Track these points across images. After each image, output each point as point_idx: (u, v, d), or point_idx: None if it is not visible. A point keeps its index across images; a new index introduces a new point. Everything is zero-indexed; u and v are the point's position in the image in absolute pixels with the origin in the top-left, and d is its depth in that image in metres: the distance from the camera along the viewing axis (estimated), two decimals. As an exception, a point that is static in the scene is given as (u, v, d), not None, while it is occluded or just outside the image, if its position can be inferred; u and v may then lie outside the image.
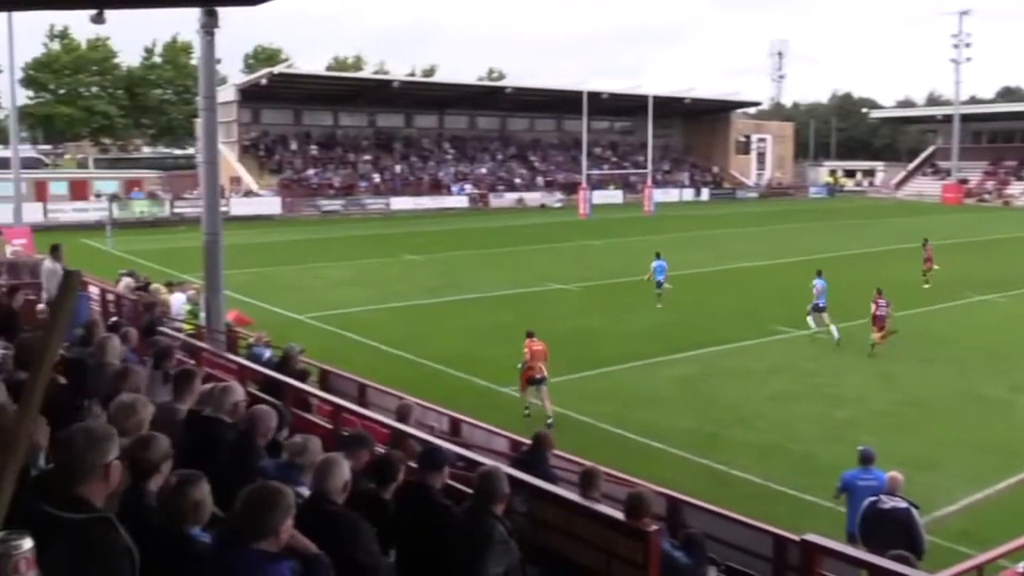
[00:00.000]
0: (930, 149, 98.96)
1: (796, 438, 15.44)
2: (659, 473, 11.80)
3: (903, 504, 8.98)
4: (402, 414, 10.48)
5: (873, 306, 21.79)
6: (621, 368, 20.05)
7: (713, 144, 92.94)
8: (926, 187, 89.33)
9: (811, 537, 5.45)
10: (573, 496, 6.12)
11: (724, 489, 12.75)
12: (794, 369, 20.30)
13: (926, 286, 30.61)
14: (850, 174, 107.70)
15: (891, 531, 8.65)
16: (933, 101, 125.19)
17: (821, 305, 23.01)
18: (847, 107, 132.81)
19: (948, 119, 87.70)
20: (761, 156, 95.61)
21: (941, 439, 15.53)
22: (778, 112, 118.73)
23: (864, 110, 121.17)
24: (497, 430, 11.77)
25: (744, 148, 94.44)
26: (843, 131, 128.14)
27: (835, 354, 21.65)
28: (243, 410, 6.74)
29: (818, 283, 23.34)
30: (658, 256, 28.49)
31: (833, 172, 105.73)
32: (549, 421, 15.80)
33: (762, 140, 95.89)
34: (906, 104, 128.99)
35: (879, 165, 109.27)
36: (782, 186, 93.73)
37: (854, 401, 17.81)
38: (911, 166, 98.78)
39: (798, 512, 11.97)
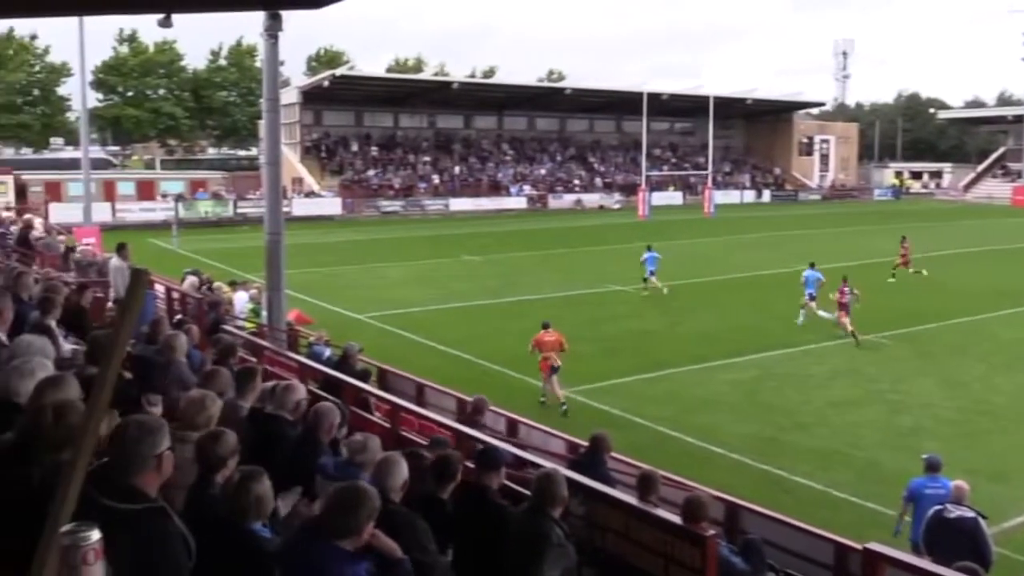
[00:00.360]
0: (1000, 150, 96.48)
1: (858, 445, 15.17)
2: (717, 478, 11.70)
3: (970, 514, 8.77)
4: (477, 407, 10.55)
5: (838, 294, 23.12)
6: (679, 371, 19.92)
7: (775, 145, 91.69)
8: (996, 189, 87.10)
9: (874, 546, 5.35)
10: (630, 499, 6.09)
11: (784, 495, 12.63)
12: (856, 374, 19.92)
13: (891, 280, 31.72)
14: (916, 176, 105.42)
15: (957, 542, 8.44)
16: (1004, 101, 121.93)
17: (814, 294, 24.44)
18: (914, 107, 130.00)
19: (1019, 119, 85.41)
20: (824, 157, 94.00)
21: (1011, 449, 15.14)
22: (842, 113, 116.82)
23: (931, 110, 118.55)
24: (554, 432, 11.79)
25: (807, 149, 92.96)
26: (909, 132, 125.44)
27: (899, 360, 21.22)
28: (304, 408, 6.81)
29: (809, 275, 24.93)
30: (649, 248, 29.65)
31: (899, 174, 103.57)
32: (564, 407, 16.57)
33: (825, 141, 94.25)
34: (975, 104, 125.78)
35: (947, 167, 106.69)
36: (846, 188, 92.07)
37: (919, 407, 17.44)
38: (980, 168, 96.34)
39: (860, 520, 11.78)
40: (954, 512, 8.78)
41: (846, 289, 23.16)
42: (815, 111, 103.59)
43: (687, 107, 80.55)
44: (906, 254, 32.70)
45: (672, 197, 75.52)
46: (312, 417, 6.46)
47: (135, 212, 54.68)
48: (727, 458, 14.42)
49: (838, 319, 23.08)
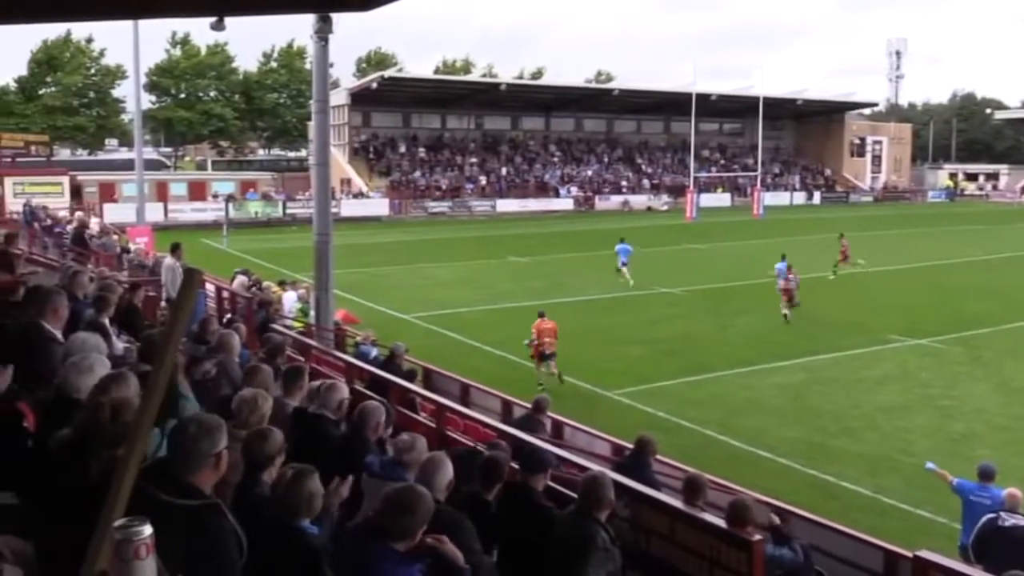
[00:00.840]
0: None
1: (908, 451, 14.91)
2: (763, 482, 11.59)
3: (1024, 522, 8.60)
4: (540, 406, 10.94)
5: (782, 281, 25.04)
6: (726, 374, 19.78)
7: (826, 146, 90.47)
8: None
9: (924, 553, 5.28)
10: (676, 503, 6.09)
11: (831, 501, 12.46)
12: (907, 379, 19.60)
13: (831, 278, 32.16)
14: (971, 177, 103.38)
15: (1011, 550, 8.26)
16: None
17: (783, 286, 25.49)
18: (969, 108, 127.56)
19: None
20: (876, 159, 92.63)
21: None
22: (895, 113, 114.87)
23: (988, 111, 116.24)
24: (600, 434, 11.76)
25: (859, 150, 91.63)
26: (964, 133, 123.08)
27: (952, 364, 20.83)
28: (346, 408, 6.90)
29: (780, 267, 26.13)
30: (622, 240, 31.50)
31: (953, 175, 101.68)
32: (541, 384, 17.42)
33: (878, 142, 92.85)
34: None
35: (1003, 168, 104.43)
36: (898, 190, 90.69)
37: (972, 413, 17.10)
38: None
39: (910, 527, 11.60)
40: (1008, 520, 8.61)
41: (791, 276, 25.16)
42: (867, 111, 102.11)
43: (736, 108, 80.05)
44: (845, 250, 33.37)
45: (720, 199, 75.06)
46: (358, 416, 6.51)
47: (187, 212, 55.55)
48: (774, 462, 14.29)
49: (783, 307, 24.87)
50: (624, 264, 31.02)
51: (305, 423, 6.59)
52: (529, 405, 11.56)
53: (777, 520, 7.22)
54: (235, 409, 5.48)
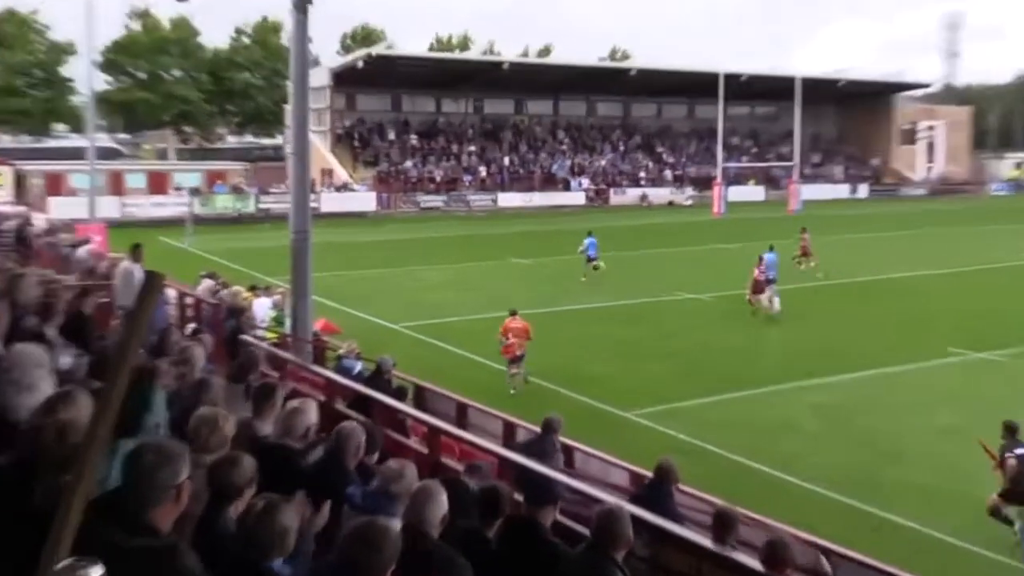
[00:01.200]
0: None
1: (970, 480, 14.66)
2: (802, 516, 11.48)
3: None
4: (552, 426, 10.92)
5: (756, 271, 27.01)
6: (757, 392, 19.70)
7: (872, 133, 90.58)
8: None
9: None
10: (703, 540, 6.03)
11: (879, 537, 12.38)
12: (966, 397, 19.42)
13: (801, 267, 34.49)
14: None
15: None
16: None
17: (772, 277, 27.18)
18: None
19: None
20: (930, 147, 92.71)
21: None
22: (951, 95, 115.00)
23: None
24: (615, 460, 11.51)
25: (910, 137, 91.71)
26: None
27: (1019, 381, 20.64)
28: (313, 434, 6.77)
29: (768, 257, 27.55)
30: (590, 234, 34.09)
31: (1019, 165, 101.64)
32: (513, 390, 18.85)
33: (932, 128, 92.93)
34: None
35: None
36: (956, 182, 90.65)
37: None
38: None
39: (971, 569, 11.58)
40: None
41: (763, 267, 26.98)
42: (919, 93, 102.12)
43: (770, 90, 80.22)
44: (805, 246, 35.81)
45: (752, 192, 75.33)
46: (334, 440, 6.43)
47: (145, 207, 55.92)
48: (813, 493, 14.25)
49: (758, 299, 27.06)
50: (593, 259, 33.65)
51: (265, 455, 6.44)
52: (537, 427, 11.44)
53: (826, 565, 7.16)
54: (192, 430, 5.40)
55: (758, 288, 27.10)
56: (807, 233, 36.23)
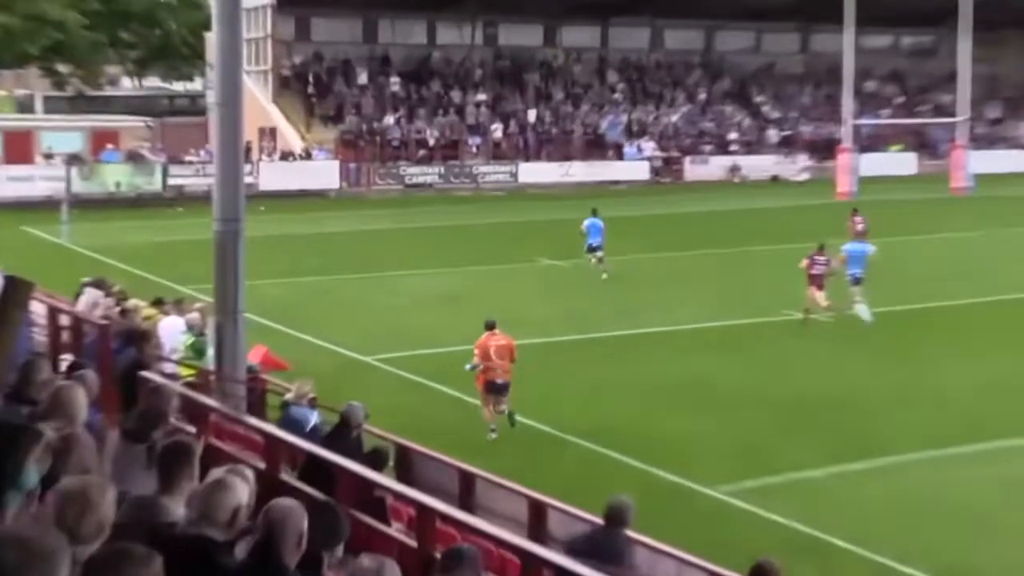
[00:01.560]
0: None
1: None
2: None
3: None
4: (621, 511, 10.24)
5: (807, 262, 26.76)
6: (906, 459, 18.00)
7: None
8: None
9: None
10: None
11: None
12: None
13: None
14: None
15: None
16: None
17: (859, 275, 26.98)
18: None
19: None
20: None
21: None
22: None
23: None
24: (694, 560, 10.70)
25: None
26: None
27: None
28: (243, 520, 6.40)
29: (854, 250, 27.73)
30: (594, 213, 33.19)
31: None
32: (492, 427, 18.38)
33: None
34: None
35: None
36: None
37: None
38: None
39: None
40: None
41: (820, 259, 26.83)
42: None
43: (923, 9, 73.35)
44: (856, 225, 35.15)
45: (898, 162, 70.18)
46: (264, 528, 5.99)
47: (0, 182, 52.84)
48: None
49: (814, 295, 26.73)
50: (595, 248, 32.26)
51: (174, 551, 5.68)
52: (575, 509, 11.09)
53: None
54: (56, 512, 4.96)
55: (816, 282, 26.81)
56: (859, 216, 34.84)
